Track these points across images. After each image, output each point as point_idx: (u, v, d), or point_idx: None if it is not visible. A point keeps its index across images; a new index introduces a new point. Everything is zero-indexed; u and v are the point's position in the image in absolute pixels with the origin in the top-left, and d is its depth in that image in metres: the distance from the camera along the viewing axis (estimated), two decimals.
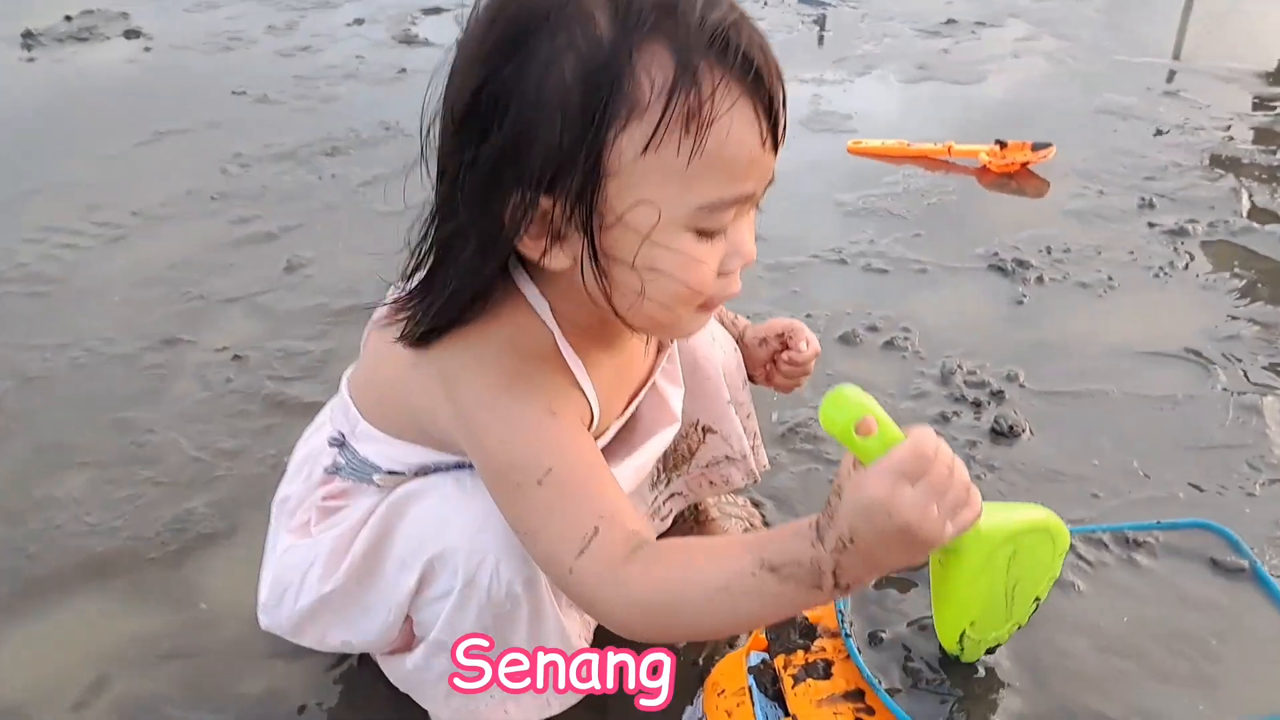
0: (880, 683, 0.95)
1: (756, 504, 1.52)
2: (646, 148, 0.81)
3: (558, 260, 0.88)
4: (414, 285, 0.95)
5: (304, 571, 1.13)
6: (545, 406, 0.94)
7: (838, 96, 2.97)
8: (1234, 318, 1.91)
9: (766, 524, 1.49)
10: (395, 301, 0.99)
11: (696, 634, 0.95)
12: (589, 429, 1.02)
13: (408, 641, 1.15)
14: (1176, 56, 3.15)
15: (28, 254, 2.28)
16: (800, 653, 1.00)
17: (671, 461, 1.31)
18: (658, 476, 1.30)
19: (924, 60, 3.18)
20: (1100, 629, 1.01)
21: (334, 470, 1.13)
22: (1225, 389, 1.73)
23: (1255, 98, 2.79)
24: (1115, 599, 1.05)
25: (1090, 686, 0.96)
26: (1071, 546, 1.10)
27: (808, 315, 1.96)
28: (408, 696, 1.24)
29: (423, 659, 1.11)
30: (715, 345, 1.31)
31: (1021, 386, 1.76)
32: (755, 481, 1.37)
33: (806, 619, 1.03)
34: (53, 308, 2.10)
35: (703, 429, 1.30)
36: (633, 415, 1.19)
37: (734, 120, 0.82)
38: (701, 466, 1.33)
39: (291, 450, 1.24)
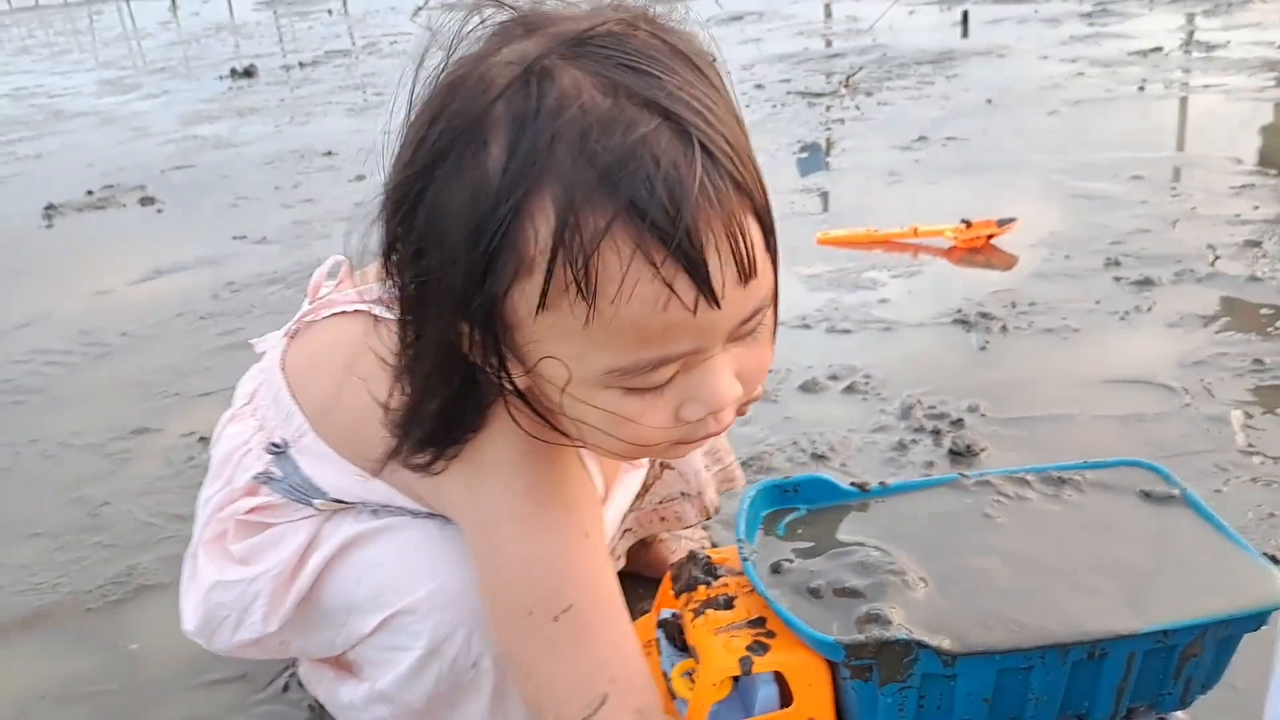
0: (780, 602, 0.90)
1: (705, 526, 1.48)
2: (538, 307, 0.72)
3: (514, 379, 0.80)
4: (402, 401, 0.85)
5: (241, 609, 1.03)
6: (578, 526, 0.88)
7: (811, 201, 3.05)
8: (1200, 347, 1.88)
9: (714, 545, 1.44)
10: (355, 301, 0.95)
11: None
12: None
13: (342, 659, 1.10)
14: (1180, 147, 3.21)
15: (13, 371, 2.35)
16: (702, 589, 0.96)
17: None
18: None
19: (895, 168, 3.27)
20: (1018, 553, 0.96)
21: (265, 479, 1.03)
22: (1191, 406, 1.69)
23: (1225, 173, 2.82)
24: (1037, 528, 0.99)
25: (1006, 598, 0.90)
26: (991, 485, 1.07)
27: (768, 371, 1.95)
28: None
29: (361, 701, 1.05)
30: None
31: (982, 416, 1.73)
32: (708, 518, 1.33)
33: (709, 559, 0.99)
34: (29, 412, 2.15)
35: (660, 464, 1.26)
36: None
37: (631, 284, 0.69)
38: (655, 503, 1.28)
39: None
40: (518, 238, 0.69)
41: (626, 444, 0.80)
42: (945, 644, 0.85)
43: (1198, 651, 0.90)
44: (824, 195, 3.12)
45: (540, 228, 0.69)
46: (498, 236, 0.70)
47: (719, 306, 0.72)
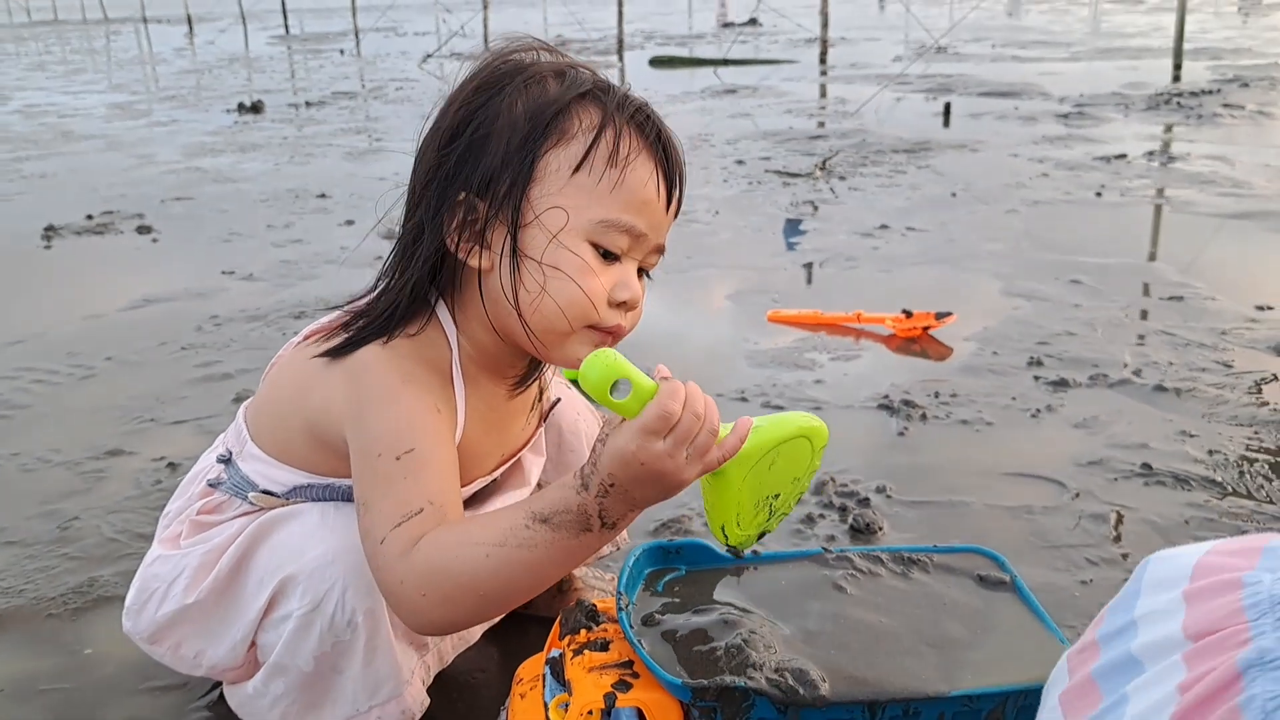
0: (645, 648, 1.05)
1: None
2: (566, 166, 1.06)
3: (479, 258, 1.08)
4: (361, 303, 1.16)
5: (169, 581, 1.24)
6: (430, 403, 1.11)
7: (767, 278, 3.23)
8: (1097, 448, 2.05)
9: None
10: (317, 330, 1.20)
11: (484, 598, 1.01)
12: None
13: (251, 670, 1.25)
14: (1122, 255, 3.41)
15: (2, 387, 2.49)
16: (584, 632, 1.11)
17: None
18: None
19: (853, 253, 3.46)
20: (858, 620, 1.11)
21: (215, 483, 1.27)
22: (1077, 502, 1.85)
23: (1159, 283, 3.02)
24: (880, 600, 1.15)
25: (841, 657, 1.05)
26: (849, 560, 1.22)
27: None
28: None
29: (261, 683, 1.22)
30: (580, 419, 1.47)
31: (888, 497, 1.88)
32: (618, 549, 1.48)
33: (594, 606, 1.14)
34: (13, 427, 2.29)
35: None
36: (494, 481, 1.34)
37: (639, 165, 1.08)
38: None
39: None
40: (565, 122, 1.06)
41: (583, 294, 1.06)
42: (778, 693, 1.00)
43: (999, 716, 1.06)
44: (780, 274, 3.30)
45: (584, 120, 1.07)
46: (552, 117, 1.06)
47: (669, 205, 1.11)
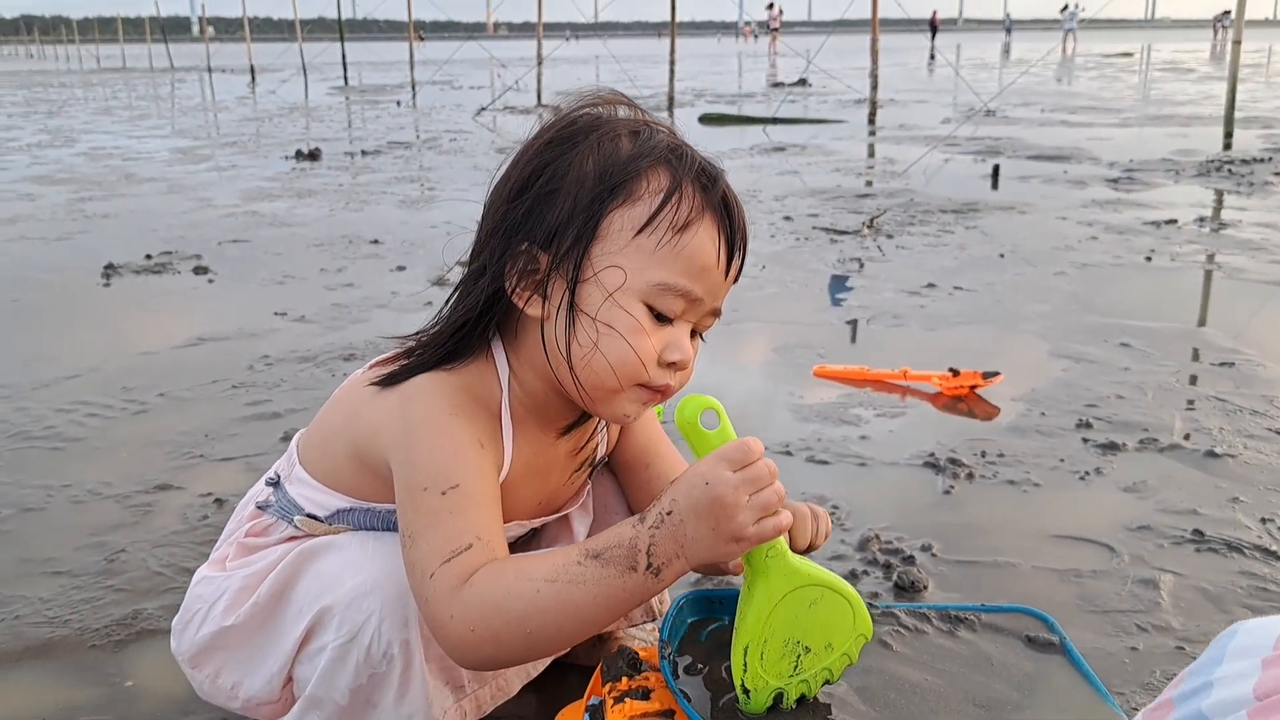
0: (689, 700, 1.04)
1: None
2: (630, 227, 1.07)
3: (536, 308, 1.10)
4: (421, 335, 1.19)
5: (211, 602, 1.27)
6: (475, 438, 1.13)
7: (814, 334, 3.23)
8: (1147, 513, 2.01)
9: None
10: (381, 361, 1.23)
11: (530, 636, 1.00)
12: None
13: (286, 708, 1.26)
14: (1171, 320, 3.37)
15: (57, 419, 2.55)
16: (625, 679, 1.10)
17: None
18: None
19: (900, 311, 3.45)
20: (902, 677, 1.10)
21: (264, 506, 1.31)
22: (1127, 568, 1.81)
23: (1209, 349, 2.97)
24: (926, 657, 1.13)
25: (889, 710, 1.04)
26: (894, 616, 1.21)
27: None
28: None
29: (296, 717, 1.22)
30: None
31: (933, 555, 1.86)
32: (654, 618, 1.47)
33: (636, 654, 1.13)
34: (66, 459, 2.33)
35: None
36: (538, 532, 1.35)
37: (702, 231, 1.08)
38: None
39: None
40: (634, 184, 1.07)
41: (633, 354, 1.07)
42: None
43: None
44: (826, 330, 3.30)
45: (652, 183, 1.07)
46: (621, 178, 1.07)
47: (729, 271, 1.11)
